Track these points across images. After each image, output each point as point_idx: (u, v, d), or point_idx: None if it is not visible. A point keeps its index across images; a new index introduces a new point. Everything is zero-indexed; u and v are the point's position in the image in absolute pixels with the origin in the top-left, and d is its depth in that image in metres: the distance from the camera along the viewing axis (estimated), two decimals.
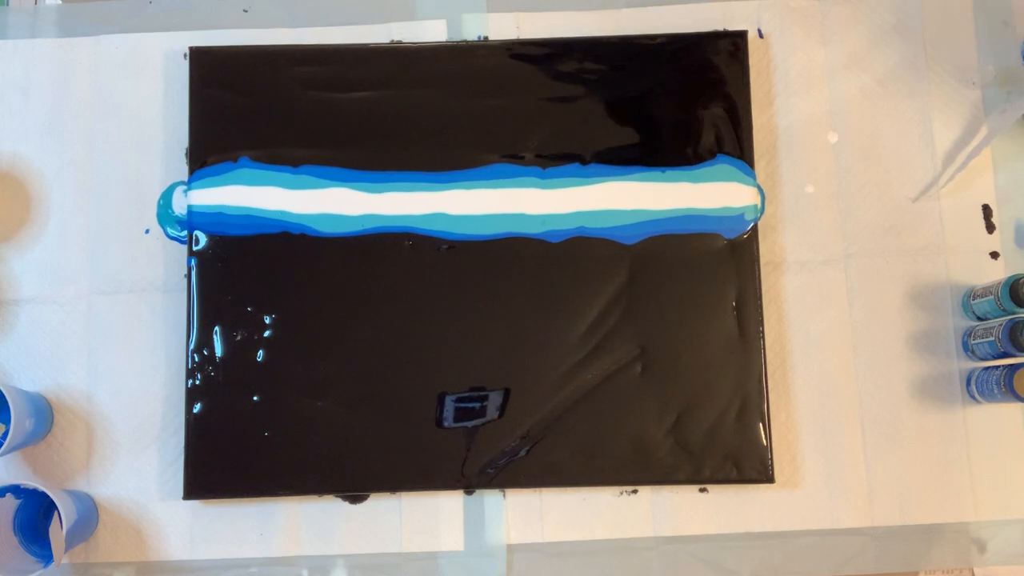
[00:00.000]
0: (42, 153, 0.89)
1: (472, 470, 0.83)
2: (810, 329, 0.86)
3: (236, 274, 0.85)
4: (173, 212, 0.88)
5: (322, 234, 0.85)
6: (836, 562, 0.83)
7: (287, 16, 0.91)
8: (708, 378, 0.83)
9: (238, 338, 0.84)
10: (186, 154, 0.88)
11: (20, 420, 0.78)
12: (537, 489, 0.84)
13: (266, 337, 0.84)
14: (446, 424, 0.83)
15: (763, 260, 0.86)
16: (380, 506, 0.84)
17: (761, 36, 0.90)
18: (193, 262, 0.85)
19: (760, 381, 0.83)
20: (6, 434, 0.78)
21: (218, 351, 0.84)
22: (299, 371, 0.84)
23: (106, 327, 0.86)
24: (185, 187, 0.88)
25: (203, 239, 0.85)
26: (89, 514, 0.82)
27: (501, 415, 0.83)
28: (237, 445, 0.83)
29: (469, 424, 0.83)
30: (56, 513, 0.83)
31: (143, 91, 0.90)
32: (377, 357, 0.84)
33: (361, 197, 0.86)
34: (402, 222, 0.85)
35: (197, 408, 0.83)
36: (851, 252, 0.87)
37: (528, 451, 0.83)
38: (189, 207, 0.86)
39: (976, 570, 0.86)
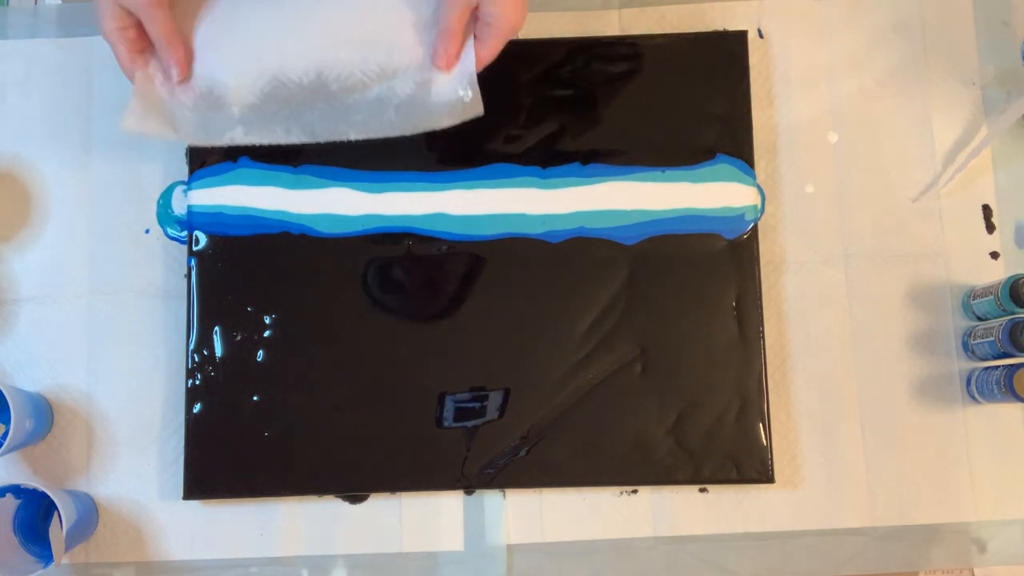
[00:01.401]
0: (42, 153, 0.89)
1: (472, 470, 0.83)
2: (810, 329, 0.86)
3: (236, 274, 0.85)
4: (173, 212, 0.88)
5: (322, 234, 0.85)
6: (836, 562, 0.83)
7: None
8: (708, 378, 0.83)
9: (238, 338, 0.84)
10: (186, 154, 0.88)
11: (20, 420, 0.78)
12: (537, 489, 0.84)
13: (266, 337, 0.84)
14: (446, 424, 0.83)
15: (763, 260, 0.86)
16: (380, 506, 0.84)
17: (761, 36, 0.90)
18: (193, 262, 0.85)
19: (760, 381, 0.83)
20: (6, 434, 0.78)
21: (218, 351, 0.84)
22: (299, 371, 0.84)
23: (106, 327, 0.86)
24: (185, 187, 0.88)
25: (203, 239, 0.85)
26: (89, 514, 0.82)
27: (501, 415, 0.83)
28: (237, 445, 0.83)
29: (469, 424, 0.83)
30: (56, 513, 0.83)
31: None
32: (377, 357, 0.84)
33: (361, 197, 0.86)
34: (402, 222, 0.85)
35: (197, 408, 0.83)
36: (851, 252, 0.87)
37: (528, 451, 0.83)
38: (189, 207, 0.86)
39: (976, 570, 0.86)
